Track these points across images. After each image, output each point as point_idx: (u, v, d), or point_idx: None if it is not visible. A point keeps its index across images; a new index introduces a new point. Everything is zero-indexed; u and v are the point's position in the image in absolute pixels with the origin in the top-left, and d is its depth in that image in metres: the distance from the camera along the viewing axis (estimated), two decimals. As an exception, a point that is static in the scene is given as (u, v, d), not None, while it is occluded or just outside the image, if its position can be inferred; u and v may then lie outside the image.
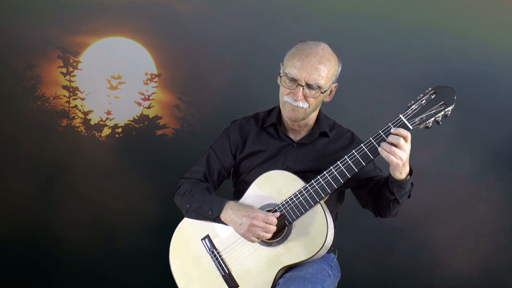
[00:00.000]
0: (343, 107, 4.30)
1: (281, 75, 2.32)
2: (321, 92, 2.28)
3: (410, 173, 2.18)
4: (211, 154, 2.48)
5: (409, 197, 2.26)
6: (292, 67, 2.26)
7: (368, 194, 2.37)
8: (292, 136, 2.43)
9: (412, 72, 4.39)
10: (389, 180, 2.20)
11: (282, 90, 2.32)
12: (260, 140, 2.43)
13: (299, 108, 2.28)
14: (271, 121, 2.43)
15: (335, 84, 2.37)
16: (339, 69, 2.35)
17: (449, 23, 4.60)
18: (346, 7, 4.65)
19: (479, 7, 4.65)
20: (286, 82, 2.29)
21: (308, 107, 2.29)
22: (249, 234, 2.22)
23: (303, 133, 2.42)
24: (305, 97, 2.27)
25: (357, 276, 4.23)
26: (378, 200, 2.30)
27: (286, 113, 2.34)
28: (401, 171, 2.13)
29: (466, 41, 4.59)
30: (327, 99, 2.38)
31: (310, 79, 2.24)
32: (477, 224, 4.42)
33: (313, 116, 2.40)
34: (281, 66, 2.36)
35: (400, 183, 2.17)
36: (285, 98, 2.30)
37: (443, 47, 4.56)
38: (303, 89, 2.26)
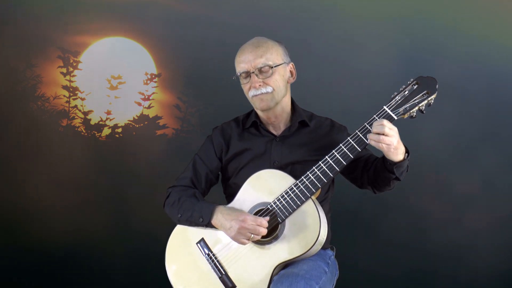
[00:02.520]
0: (354, 104, 4.31)
1: (239, 79, 2.42)
2: (272, 67, 2.36)
3: (407, 151, 2.23)
4: (197, 160, 2.53)
5: (407, 170, 2.29)
6: (238, 65, 2.40)
7: (362, 174, 2.41)
8: (273, 132, 2.48)
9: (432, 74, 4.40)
10: (386, 162, 2.23)
11: (244, 89, 2.42)
12: (244, 139, 2.48)
13: (264, 94, 2.37)
14: (251, 120, 2.50)
15: (291, 64, 2.46)
16: (284, 50, 2.45)
17: (472, 25, 4.60)
18: (357, 7, 4.65)
19: (501, 8, 4.64)
20: (242, 80, 2.40)
21: (273, 90, 2.37)
22: (239, 236, 2.24)
23: (283, 126, 2.48)
24: (264, 81, 2.36)
25: (356, 274, 4.22)
26: (376, 180, 2.34)
27: (258, 106, 2.41)
28: (397, 154, 2.18)
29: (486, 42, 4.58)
30: (291, 80, 2.47)
31: (256, 64, 2.35)
32: (495, 222, 4.41)
33: (286, 105, 2.47)
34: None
35: (399, 164, 2.21)
36: (250, 94, 2.40)
37: (459, 47, 4.56)
38: (256, 75, 2.35)
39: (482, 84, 4.50)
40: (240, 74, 2.39)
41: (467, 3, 4.63)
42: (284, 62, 2.41)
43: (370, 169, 2.36)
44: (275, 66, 2.36)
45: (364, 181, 2.41)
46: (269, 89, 2.36)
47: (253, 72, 2.35)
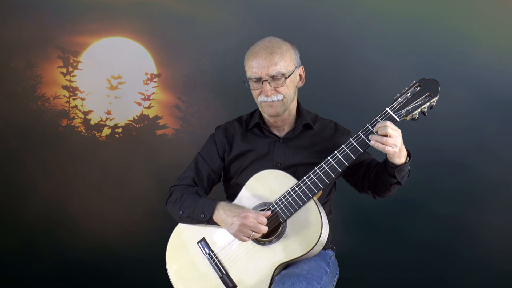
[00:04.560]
0: (358, 104, 4.31)
1: (247, 81, 2.38)
2: (286, 78, 2.32)
3: (409, 154, 2.22)
4: (199, 159, 2.52)
5: (408, 175, 2.29)
6: (250, 69, 2.34)
7: (363, 179, 2.40)
8: (277, 133, 2.47)
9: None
10: (388, 166, 2.22)
11: (254, 93, 2.38)
12: (247, 140, 2.47)
13: (274, 102, 2.34)
14: (254, 121, 2.48)
15: (301, 67, 2.42)
16: (297, 53, 2.40)
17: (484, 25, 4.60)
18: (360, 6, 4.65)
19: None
20: (253, 84, 2.35)
21: (284, 97, 2.35)
22: (239, 233, 2.24)
23: (287, 128, 2.47)
24: (275, 89, 2.33)
25: (356, 274, 4.22)
26: (377, 184, 2.33)
27: (266, 112, 2.39)
28: (400, 156, 2.17)
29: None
30: (300, 84, 2.43)
31: (270, 71, 2.31)
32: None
33: (293, 108, 2.45)
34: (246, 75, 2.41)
35: (401, 167, 2.20)
36: (259, 99, 2.37)
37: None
38: (269, 83, 2.32)
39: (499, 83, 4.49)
40: (251, 79, 2.35)
41: (481, 6, 4.62)
42: (296, 67, 2.38)
43: (372, 173, 2.36)
44: (288, 76, 2.33)
45: (364, 185, 2.40)
46: (280, 97, 2.34)
47: (265, 80, 2.31)
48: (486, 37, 4.54)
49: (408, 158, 2.21)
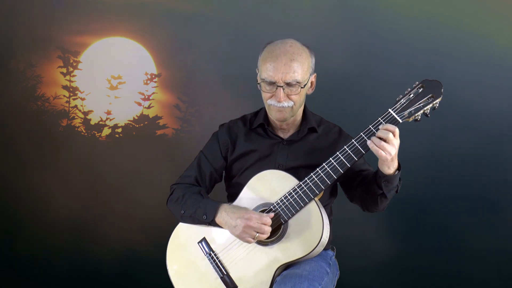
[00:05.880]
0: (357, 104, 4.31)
1: (258, 81, 2.35)
2: (301, 87, 2.30)
3: (399, 168, 2.20)
4: (202, 157, 2.51)
5: (396, 192, 2.28)
6: (266, 71, 2.29)
7: (357, 188, 2.39)
8: (281, 135, 2.46)
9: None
10: (377, 175, 2.22)
11: (264, 95, 2.35)
12: (250, 140, 2.46)
13: (284, 108, 2.32)
14: (258, 121, 2.46)
15: (314, 75, 2.39)
16: (313, 60, 2.37)
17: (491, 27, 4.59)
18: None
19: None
20: (265, 87, 2.32)
21: (294, 104, 2.32)
22: (244, 235, 2.23)
23: (292, 130, 2.45)
24: (288, 96, 2.30)
25: (356, 275, 4.22)
26: (366, 194, 2.32)
27: (273, 115, 2.37)
28: (390, 166, 2.16)
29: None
30: (310, 91, 2.41)
31: (287, 78, 2.27)
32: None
33: (299, 113, 2.43)
34: (257, 71, 2.38)
35: (388, 178, 2.19)
36: (268, 101, 2.34)
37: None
38: (283, 89, 2.28)
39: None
40: (264, 80, 2.30)
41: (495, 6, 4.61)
42: (310, 75, 2.35)
43: (364, 184, 2.35)
44: (304, 85, 2.31)
45: (356, 194, 2.39)
46: (291, 103, 2.31)
47: (280, 86, 2.28)
48: (502, 38, 4.53)
49: (397, 171, 2.20)
